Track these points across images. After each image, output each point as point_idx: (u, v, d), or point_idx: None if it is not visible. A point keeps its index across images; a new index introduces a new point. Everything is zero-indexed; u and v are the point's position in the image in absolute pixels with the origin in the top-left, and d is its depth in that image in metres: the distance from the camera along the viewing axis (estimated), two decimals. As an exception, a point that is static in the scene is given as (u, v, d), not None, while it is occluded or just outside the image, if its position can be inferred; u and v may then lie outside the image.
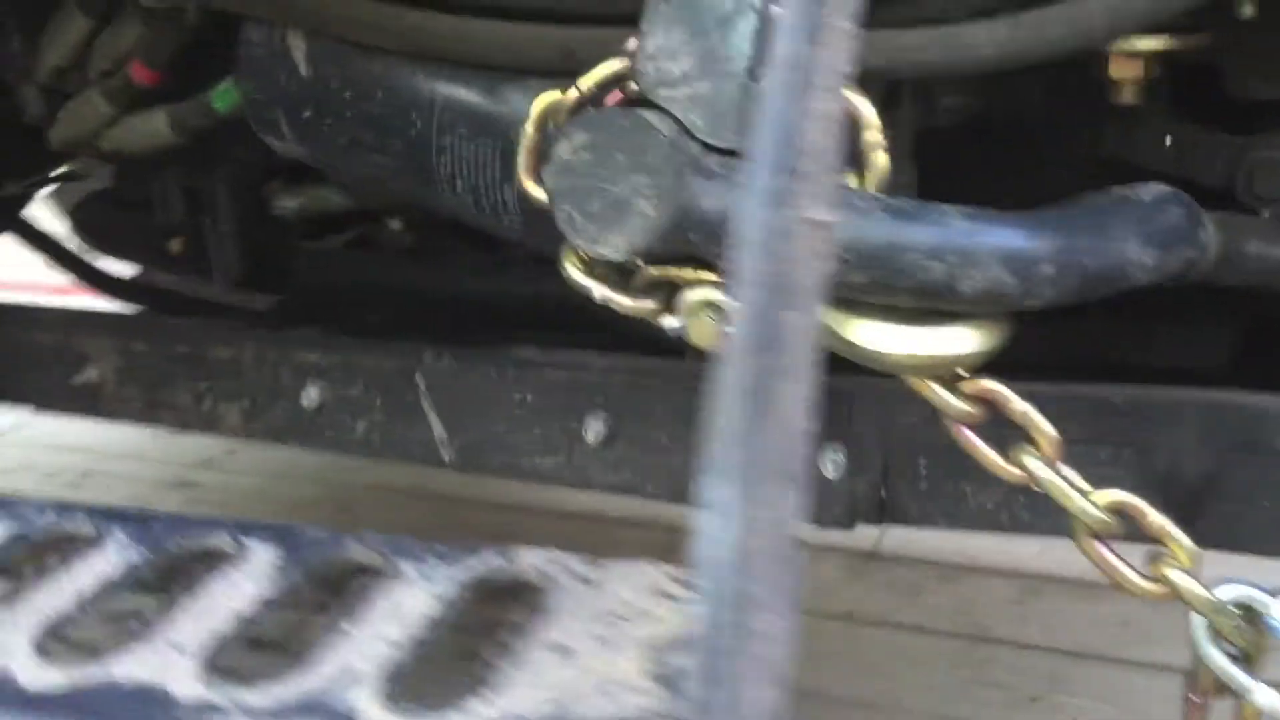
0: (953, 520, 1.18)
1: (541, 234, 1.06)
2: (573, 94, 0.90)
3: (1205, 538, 0.88)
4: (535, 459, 1.33)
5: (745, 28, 0.84)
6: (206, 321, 1.48)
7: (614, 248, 0.86)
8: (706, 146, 0.86)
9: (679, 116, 0.86)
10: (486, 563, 0.65)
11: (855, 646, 2.09)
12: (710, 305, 0.89)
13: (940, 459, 1.17)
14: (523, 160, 0.94)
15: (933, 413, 1.16)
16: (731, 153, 0.86)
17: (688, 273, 0.91)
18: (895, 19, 0.88)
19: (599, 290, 0.92)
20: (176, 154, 1.41)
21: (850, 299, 0.84)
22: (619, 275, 0.93)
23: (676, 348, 1.38)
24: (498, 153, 1.02)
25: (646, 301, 0.92)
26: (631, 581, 0.61)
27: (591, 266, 0.94)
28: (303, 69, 1.09)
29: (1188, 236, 0.88)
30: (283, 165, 1.56)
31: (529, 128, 0.93)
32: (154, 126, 1.31)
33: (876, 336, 0.84)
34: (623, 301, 0.92)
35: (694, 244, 0.85)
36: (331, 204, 1.58)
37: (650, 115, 0.85)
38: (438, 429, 1.37)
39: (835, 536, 2.33)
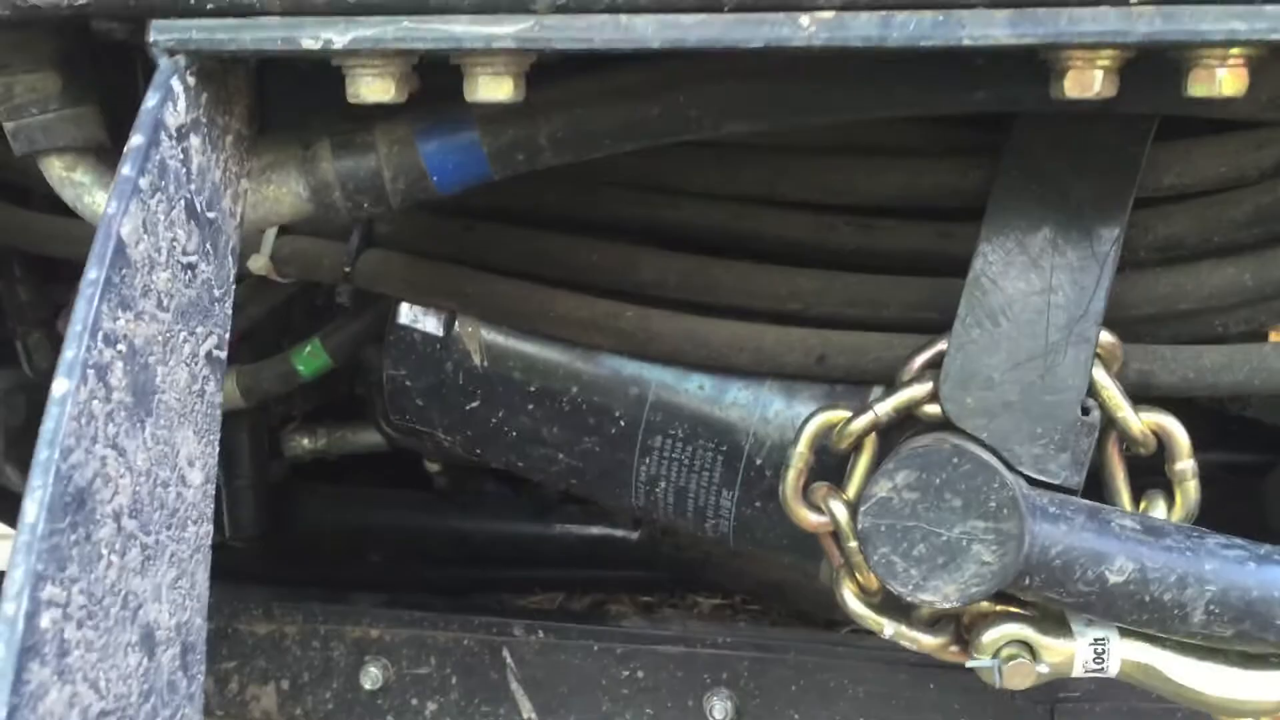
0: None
1: (760, 541, 0.99)
2: (866, 418, 0.85)
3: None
4: (646, 739, 1.23)
5: (1076, 358, 0.81)
6: (238, 591, 1.30)
7: (944, 596, 0.80)
8: (1032, 482, 0.82)
9: (997, 448, 0.82)
10: None
11: None
12: (1020, 642, 0.84)
13: (1103, 733, 1.15)
14: (791, 482, 0.88)
15: (1097, 687, 1.16)
16: (1061, 488, 0.82)
17: (984, 605, 0.86)
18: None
19: (890, 628, 0.86)
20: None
21: (1190, 645, 0.81)
22: (898, 602, 0.87)
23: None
24: (719, 457, 0.95)
25: (939, 638, 0.87)
26: None
27: (873, 597, 0.88)
28: (477, 359, 0.99)
29: None
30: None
31: (802, 448, 0.87)
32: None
33: (1216, 682, 0.81)
34: (919, 639, 0.86)
35: (1029, 588, 0.80)
36: (358, 444, 1.44)
37: (981, 451, 0.81)
38: (527, 709, 1.25)
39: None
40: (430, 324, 1.00)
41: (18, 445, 1.32)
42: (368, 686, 1.27)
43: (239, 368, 1.18)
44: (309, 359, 1.15)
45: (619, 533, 1.46)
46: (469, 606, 1.29)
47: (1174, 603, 0.78)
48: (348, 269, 0.98)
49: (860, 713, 1.17)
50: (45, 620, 0.50)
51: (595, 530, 1.47)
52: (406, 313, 1.01)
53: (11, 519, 1.70)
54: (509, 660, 1.25)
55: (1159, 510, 0.85)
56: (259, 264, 1.00)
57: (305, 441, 1.44)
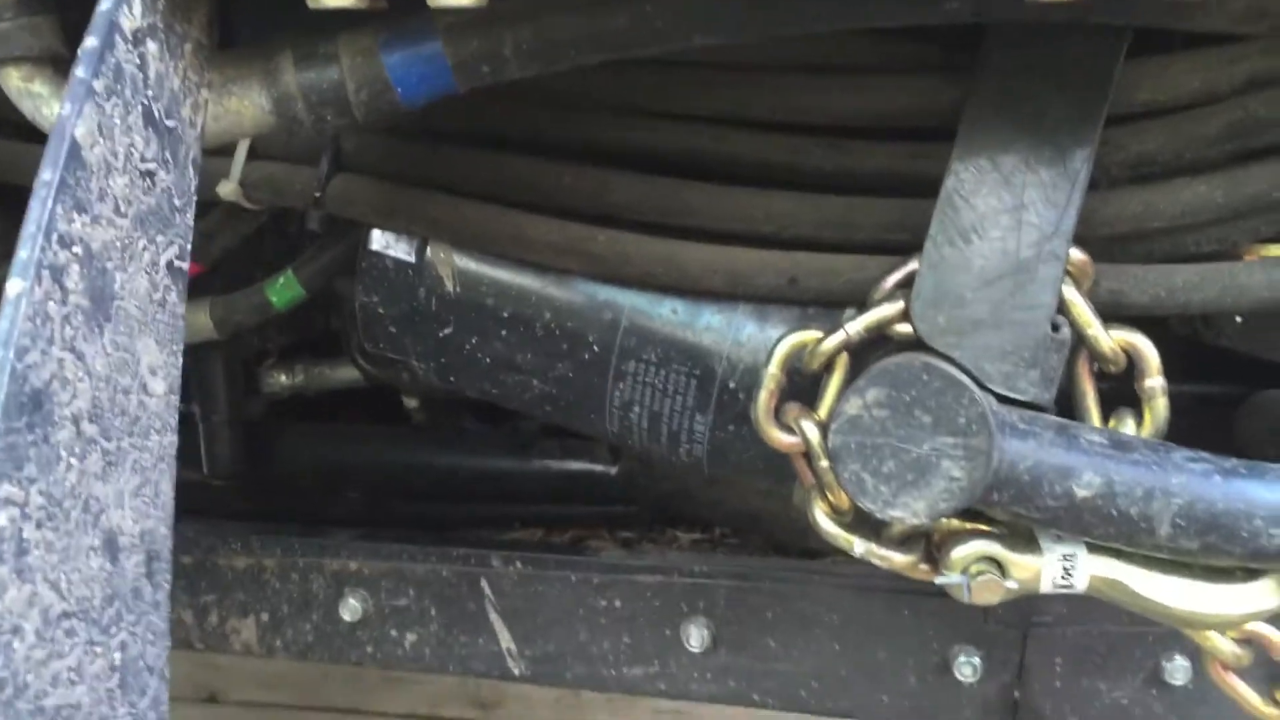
0: (1086, 716, 1.18)
1: (734, 465, 0.99)
2: (837, 337, 0.85)
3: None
4: (623, 669, 1.24)
5: (1047, 275, 0.81)
6: (216, 526, 1.31)
7: (913, 512, 0.81)
8: (1002, 399, 0.82)
9: (968, 366, 0.82)
10: None
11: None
12: (989, 559, 0.85)
13: (1075, 657, 1.17)
14: (763, 403, 0.88)
15: (1069, 610, 1.17)
16: (1031, 405, 0.82)
17: (954, 523, 0.87)
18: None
19: (860, 546, 0.87)
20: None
21: (1157, 559, 0.82)
22: (869, 521, 0.88)
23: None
24: (693, 381, 0.95)
25: (910, 555, 0.87)
26: None
27: (844, 516, 0.88)
28: (449, 284, 0.98)
29: None
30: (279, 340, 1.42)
31: (774, 369, 0.87)
32: (195, 322, 1.14)
33: (1183, 596, 0.82)
34: (890, 557, 0.87)
35: (997, 504, 0.81)
36: (335, 380, 1.44)
37: (949, 368, 0.81)
38: (505, 639, 1.26)
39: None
40: (402, 250, 0.99)
41: None
42: (347, 618, 1.27)
43: (211, 299, 1.17)
44: (282, 290, 1.15)
45: (598, 468, 1.46)
46: (448, 540, 1.30)
47: (1141, 516, 0.79)
48: (318, 193, 0.97)
49: (835, 638, 1.18)
50: (2, 518, 0.50)
51: (574, 466, 1.47)
52: (378, 239, 1.00)
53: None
54: (487, 591, 1.26)
55: (1128, 427, 0.86)
56: (228, 189, 0.99)
57: (283, 378, 1.44)
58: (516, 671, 1.27)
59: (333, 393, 1.48)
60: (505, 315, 0.98)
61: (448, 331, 1.00)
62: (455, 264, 0.98)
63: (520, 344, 0.98)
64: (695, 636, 1.20)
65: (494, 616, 1.26)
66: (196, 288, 1.18)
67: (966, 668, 1.16)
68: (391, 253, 0.99)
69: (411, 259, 0.99)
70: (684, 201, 0.92)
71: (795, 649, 1.20)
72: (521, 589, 1.24)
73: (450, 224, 0.95)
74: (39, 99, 0.70)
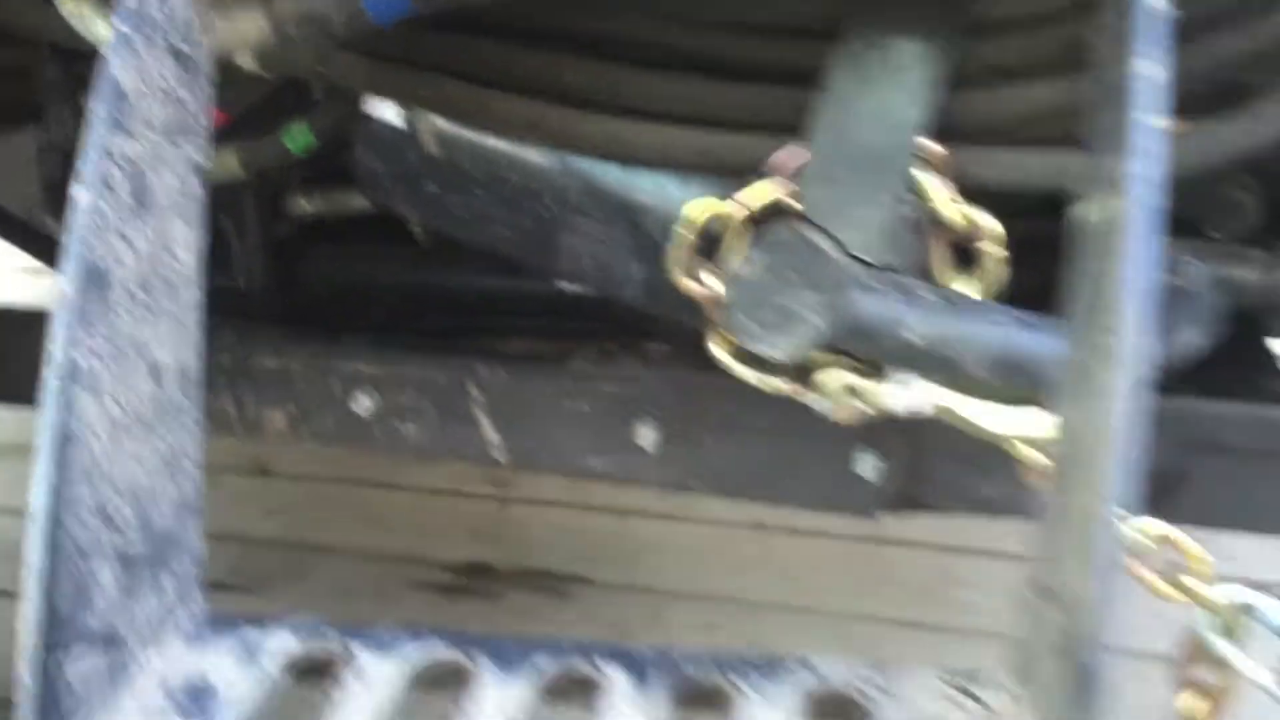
0: (965, 506, 1.41)
1: (665, 305, 1.20)
2: (740, 211, 1.04)
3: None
4: (586, 460, 1.48)
5: (904, 163, 1.00)
6: (249, 329, 1.54)
7: (781, 350, 1.02)
8: (861, 262, 1.03)
9: (837, 236, 1.02)
10: (806, 681, 0.79)
11: (769, 553, 2.35)
12: (849, 388, 1.07)
13: (956, 458, 1.39)
14: (680, 259, 1.08)
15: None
16: (883, 268, 1.03)
17: (824, 357, 1.08)
18: None
19: (747, 373, 1.09)
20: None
21: (973, 389, 1.04)
22: (756, 356, 1.09)
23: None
24: (631, 236, 1.15)
25: (789, 383, 1.09)
26: (927, 690, 0.80)
27: (737, 351, 1.10)
28: (432, 148, 1.18)
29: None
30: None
31: (688, 233, 1.07)
32: (225, 163, 1.35)
33: (994, 419, 1.04)
34: (771, 382, 1.09)
35: (850, 346, 1.02)
36: (351, 206, 1.64)
37: (817, 237, 1.01)
38: (489, 433, 1.49)
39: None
40: (394, 116, 1.19)
41: (54, 195, 1.52)
42: (359, 412, 1.51)
43: (238, 144, 1.38)
44: (297, 138, 1.35)
45: (580, 288, 1.67)
46: (447, 348, 1.52)
47: (956, 357, 1.00)
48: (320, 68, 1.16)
49: (761, 438, 1.41)
50: (81, 360, 0.73)
51: (560, 286, 1.68)
52: (374, 106, 1.20)
53: (47, 258, 1.94)
54: (474, 392, 1.49)
55: (971, 287, 1.06)
56: (245, 60, 1.18)
57: (305, 204, 1.65)
58: (500, 460, 1.51)
59: (350, 218, 1.69)
60: (479, 177, 1.18)
61: (433, 189, 1.21)
62: (437, 131, 1.18)
63: (493, 202, 1.19)
64: (646, 435, 1.44)
65: (479, 413, 1.49)
66: (226, 134, 1.39)
67: (868, 465, 1.39)
68: (386, 119, 1.19)
69: (402, 125, 1.19)
70: (623, 85, 1.11)
71: (729, 445, 1.43)
72: (503, 392, 1.47)
73: (431, 99, 1.15)
74: (88, 20, 0.90)
